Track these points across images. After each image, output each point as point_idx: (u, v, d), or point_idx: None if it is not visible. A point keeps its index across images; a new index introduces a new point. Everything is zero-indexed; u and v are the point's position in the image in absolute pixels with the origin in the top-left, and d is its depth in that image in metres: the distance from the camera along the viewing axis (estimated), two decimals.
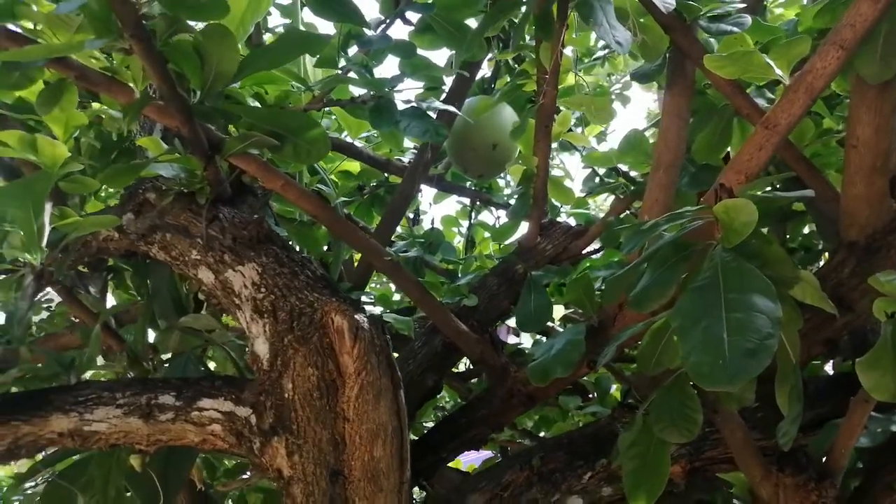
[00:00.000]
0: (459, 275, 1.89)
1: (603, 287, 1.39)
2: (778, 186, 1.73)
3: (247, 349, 1.06)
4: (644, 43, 1.32)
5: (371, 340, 0.97)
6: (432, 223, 2.49)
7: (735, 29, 1.32)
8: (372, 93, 1.58)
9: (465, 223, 2.65)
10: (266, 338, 1.02)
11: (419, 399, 1.61)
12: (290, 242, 1.77)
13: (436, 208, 3.82)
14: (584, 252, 1.73)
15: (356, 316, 0.98)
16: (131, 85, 1.16)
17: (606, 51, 2.91)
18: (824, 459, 1.15)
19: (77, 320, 1.88)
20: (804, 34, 1.36)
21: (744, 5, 1.34)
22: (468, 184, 2.51)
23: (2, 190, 1.17)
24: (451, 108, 1.61)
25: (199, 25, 1.23)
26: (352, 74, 1.57)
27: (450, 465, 1.59)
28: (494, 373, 1.45)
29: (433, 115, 1.58)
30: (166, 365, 1.47)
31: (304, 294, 1.02)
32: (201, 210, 1.26)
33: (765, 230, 1.90)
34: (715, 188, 1.02)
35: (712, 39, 1.49)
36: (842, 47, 1.13)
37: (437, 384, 1.62)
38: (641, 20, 1.36)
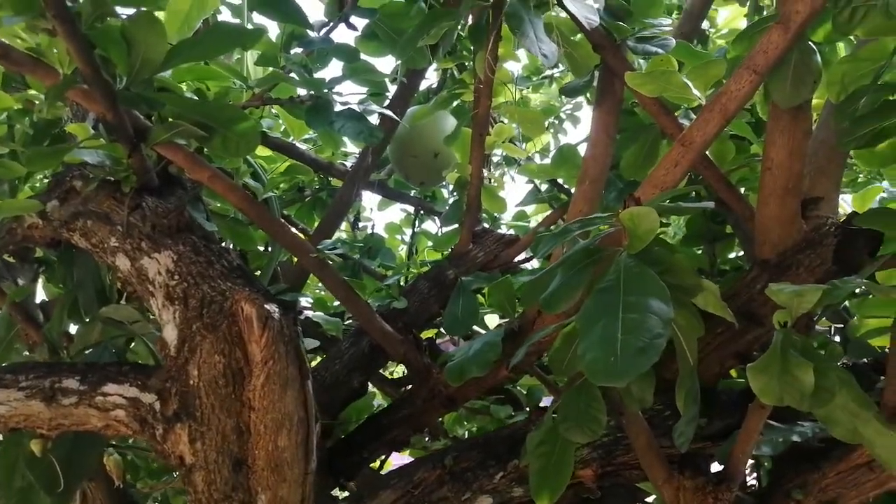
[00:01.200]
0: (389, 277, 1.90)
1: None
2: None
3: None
4: (573, 59, 1.36)
5: (280, 330, 0.98)
6: (373, 229, 2.49)
7: (660, 50, 1.38)
8: (310, 93, 1.60)
9: (409, 231, 2.67)
10: (175, 324, 1.02)
11: (344, 399, 1.61)
12: (224, 241, 1.78)
13: (380, 215, 3.82)
14: (515, 260, 1.76)
15: (266, 305, 0.99)
16: (57, 67, 1.16)
17: (555, 70, 2.98)
18: (723, 465, 1.19)
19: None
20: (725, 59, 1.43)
21: (669, 28, 1.40)
22: (412, 192, 2.54)
23: None
24: (388, 113, 1.63)
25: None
26: (292, 74, 1.59)
27: None
28: (417, 374, 1.46)
29: (371, 118, 1.61)
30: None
31: (216, 283, 1.02)
32: (124, 198, 1.25)
33: (698, 250, 1.98)
34: (624, 198, 1.05)
35: (642, 61, 1.54)
36: (755, 72, 1.18)
37: (363, 385, 1.63)
38: (575, 37, 1.40)
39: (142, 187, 1.32)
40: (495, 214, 2.09)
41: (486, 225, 1.84)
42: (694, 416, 1.03)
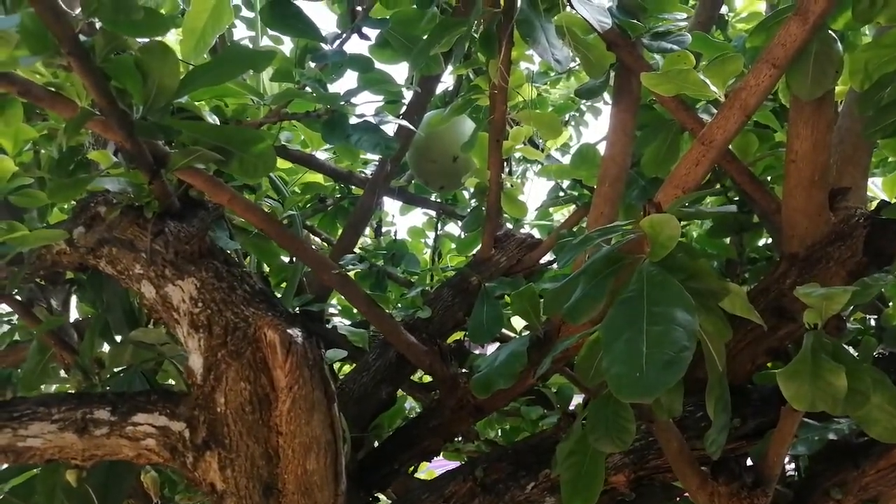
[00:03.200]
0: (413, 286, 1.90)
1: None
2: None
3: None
4: (587, 60, 1.34)
5: (304, 354, 0.98)
6: (395, 235, 2.49)
7: (676, 47, 1.36)
8: (327, 107, 1.61)
9: (432, 234, 2.67)
10: (200, 352, 1.03)
11: (373, 411, 1.62)
12: (247, 256, 1.79)
13: (403, 220, 3.82)
14: (539, 263, 1.75)
15: (289, 330, 0.99)
16: (76, 100, 1.17)
17: (573, 64, 2.95)
18: (758, 468, 1.17)
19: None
20: (743, 52, 1.40)
21: (685, 23, 1.37)
22: (433, 196, 2.54)
23: None
24: (405, 123, 1.63)
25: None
26: (307, 89, 1.60)
27: None
28: (444, 384, 1.46)
29: (388, 128, 1.61)
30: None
31: (239, 309, 1.03)
32: (147, 224, 1.27)
33: (726, 240, 1.96)
34: (644, 204, 1.04)
35: (658, 56, 1.52)
36: (774, 65, 1.16)
37: (391, 395, 1.63)
38: (588, 38, 1.39)
39: (164, 212, 1.34)
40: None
41: (508, 226, 1.83)
42: (725, 425, 1.02)
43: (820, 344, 0.95)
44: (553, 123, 1.54)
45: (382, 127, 1.54)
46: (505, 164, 1.65)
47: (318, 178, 2.34)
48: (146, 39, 1.15)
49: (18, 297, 1.69)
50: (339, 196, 2.34)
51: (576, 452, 1.13)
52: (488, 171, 1.59)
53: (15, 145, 1.44)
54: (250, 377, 0.99)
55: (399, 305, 1.69)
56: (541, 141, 2.39)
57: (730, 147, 1.40)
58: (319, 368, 1.00)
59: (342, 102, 1.57)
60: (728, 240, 1.95)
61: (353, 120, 1.58)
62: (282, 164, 2.25)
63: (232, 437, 0.99)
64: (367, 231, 2.61)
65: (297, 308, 2.07)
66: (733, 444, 1.37)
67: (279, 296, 1.66)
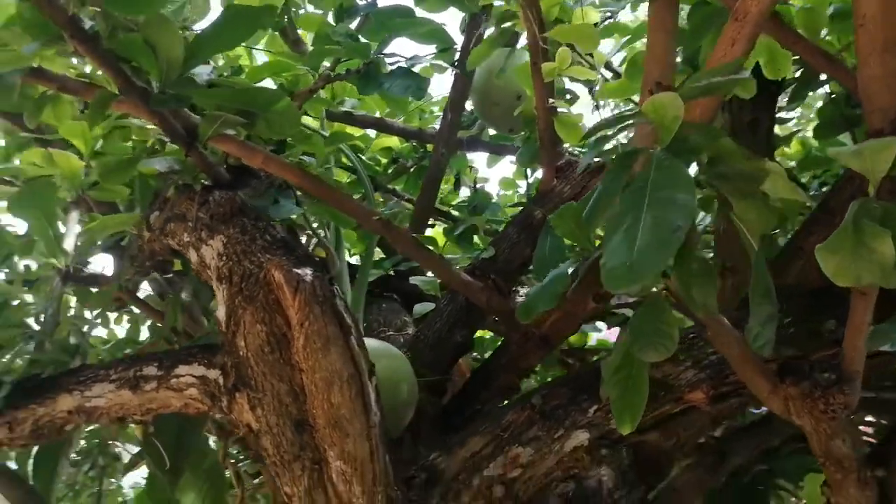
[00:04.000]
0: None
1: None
2: None
3: None
4: None
5: (312, 292, 0.99)
6: (477, 187, 2.45)
7: None
8: (364, 62, 1.61)
9: (523, 183, 2.60)
10: (224, 302, 1.06)
11: (450, 355, 1.61)
12: (322, 224, 1.84)
13: (495, 172, 3.74)
14: None
15: (297, 270, 1.00)
16: (106, 86, 1.24)
17: None
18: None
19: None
20: None
21: None
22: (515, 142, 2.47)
23: (11, 202, 1.28)
24: (440, 63, 1.60)
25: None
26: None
27: None
28: (505, 318, 1.42)
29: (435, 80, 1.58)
30: None
31: (256, 257, 1.05)
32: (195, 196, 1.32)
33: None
34: (649, 87, 0.95)
35: None
36: None
37: (466, 339, 1.62)
38: None
39: (214, 183, 1.40)
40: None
41: (570, 152, 1.74)
42: (770, 315, 0.91)
43: (866, 210, 0.82)
44: (589, 34, 1.44)
45: (416, 70, 1.52)
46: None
47: (394, 141, 2.36)
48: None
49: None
50: (417, 156, 2.34)
51: (622, 367, 1.06)
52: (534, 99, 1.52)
53: (86, 143, 1.56)
54: (265, 319, 1.02)
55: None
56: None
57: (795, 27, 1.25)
58: (331, 304, 1.00)
59: (377, 55, 1.57)
60: None
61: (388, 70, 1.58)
62: (354, 131, 2.29)
63: (256, 378, 1.02)
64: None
65: (391, 269, 2.11)
66: (831, 350, 1.23)
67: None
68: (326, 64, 1.76)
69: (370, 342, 1.45)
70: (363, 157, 2.30)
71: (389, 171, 2.34)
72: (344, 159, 2.10)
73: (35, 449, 1.62)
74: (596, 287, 1.31)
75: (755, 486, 2.11)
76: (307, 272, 1.00)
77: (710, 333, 1.07)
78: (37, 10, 1.01)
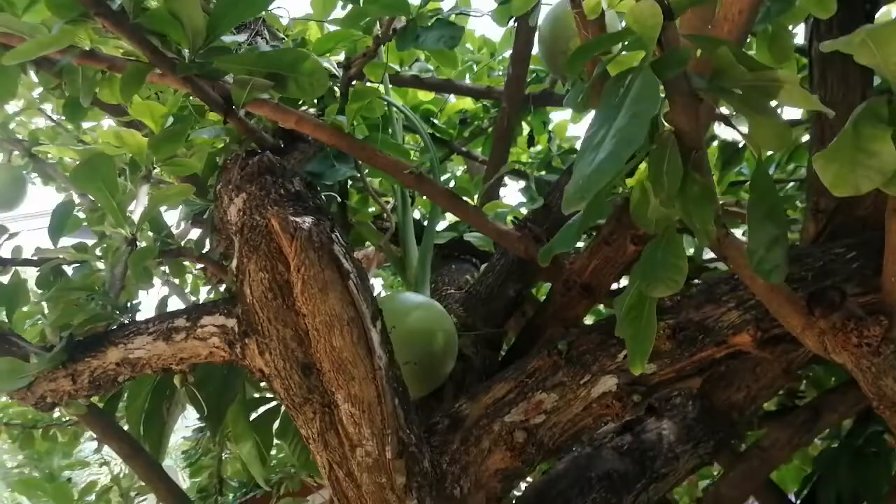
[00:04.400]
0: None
1: None
2: None
3: None
4: None
5: (308, 238, 1.00)
6: (554, 142, 2.38)
7: None
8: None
9: None
10: (236, 254, 1.11)
11: (504, 309, 1.59)
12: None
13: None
14: None
15: (293, 218, 1.02)
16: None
17: None
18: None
19: None
20: None
21: None
22: None
23: (72, 176, 1.40)
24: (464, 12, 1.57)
25: None
26: None
27: None
28: (546, 268, 1.38)
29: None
30: None
31: (266, 209, 1.08)
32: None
33: None
34: None
35: None
36: None
37: (519, 293, 1.59)
38: None
39: (260, 148, 1.45)
40: None
41: None
42: (776, 238, 0.82)
43: (871, 111, 0.72)
44: None
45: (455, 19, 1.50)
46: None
47: (468, 102, 2.34)
48: None
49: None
50: (491, 116, 2.30)
51: (635, 307, 1.00)
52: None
53: (155, 121, 1.67)
54: (267, 266, 1.05)
55: None
56: None
57: None
58: (328, 250, 1.01)
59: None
60: None
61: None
62: (424, 95, 2.30)
63: (262, 324, 1.06)
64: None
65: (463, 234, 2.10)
66: None
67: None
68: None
69: (409, 296, 1.46)
70: (436, 122, 2.31)
71: (466, 133, 2.33)
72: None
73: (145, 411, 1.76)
74: (633, 228, 1.25)
75: (869, 449, 1.93)
76: (306, 220, 1.02)
77: (731, 264, 0.98)
78: None
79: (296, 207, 1.07)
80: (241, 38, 1.46)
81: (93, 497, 2.76)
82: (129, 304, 1.26)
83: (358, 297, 1.02)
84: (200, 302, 1.38)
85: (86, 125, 2.67)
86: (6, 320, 1.33)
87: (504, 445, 1.11)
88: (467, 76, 2.26)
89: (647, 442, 1.42)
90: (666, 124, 0.93)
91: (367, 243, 2.06)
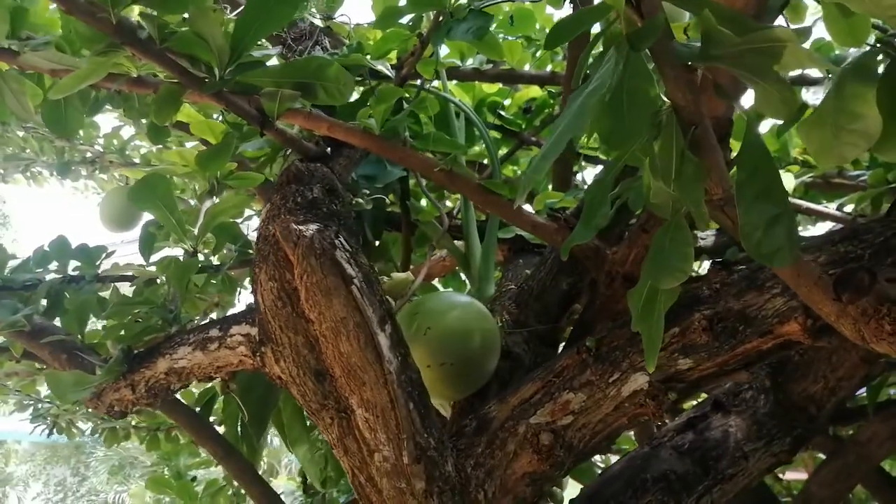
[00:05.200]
0: None
1: None
2: None
3: None
4: None
5: (310, 245, 1.00)
6: None
7: None
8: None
9: None
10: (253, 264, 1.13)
11: (559, 304, 1.53)
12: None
13: None
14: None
15: (295, 226, 1.02)
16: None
17: None
18: None
19: None
20: None
21: None
22: None
23: (130, 196, 1.48)
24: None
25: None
26: None
27: None
28: (586, 259, 1.32)
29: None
30: None
31: (279, 219, 1.10)
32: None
33: None
34: None
35: None
36: None
37: (573, 286, 1.53)
38: None
39: (308, 158, 1.48)
40: None
41: None
42: (774, 217, 0.73)
43: (861, 66, 0.63)
44: None
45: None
46: None
47: (536, 90, 2.27)
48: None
49: None
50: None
51: (650, 300, 0.93)
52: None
53: (215, 138, 1.75)
54: (275, 275, 1.06)
55: None
56: None
57: None
58: (330, 256, 1.01)
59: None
60: None
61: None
62: (490, 87, 2.26)
63: (275, 332, 1.07)
64: None
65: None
66: None
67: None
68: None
69: (448, 295, 1.44)
70: (503, 113, 2.26)
71: (537, 122, 2.27)
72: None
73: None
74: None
75: None
76: (310, 227, 1.03)
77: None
78: (84, 24, 1.16)
79: (306, 215, 1.08)
80: (273, 51, 1.49)
81: (208, 494, 2.94)
82: (175, 316, 1.32)
83: (362, 301, 1.01)
84: None
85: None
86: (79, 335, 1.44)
87: (530, 448, 1.07)
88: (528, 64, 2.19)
89: (710, 440, 1.33)
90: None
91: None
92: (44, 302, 1.82)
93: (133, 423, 3.15)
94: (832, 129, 0.62)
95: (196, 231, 1.56)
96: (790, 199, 1.81)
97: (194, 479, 3.40)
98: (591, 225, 1.07)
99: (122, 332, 1.29)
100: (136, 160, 3.33)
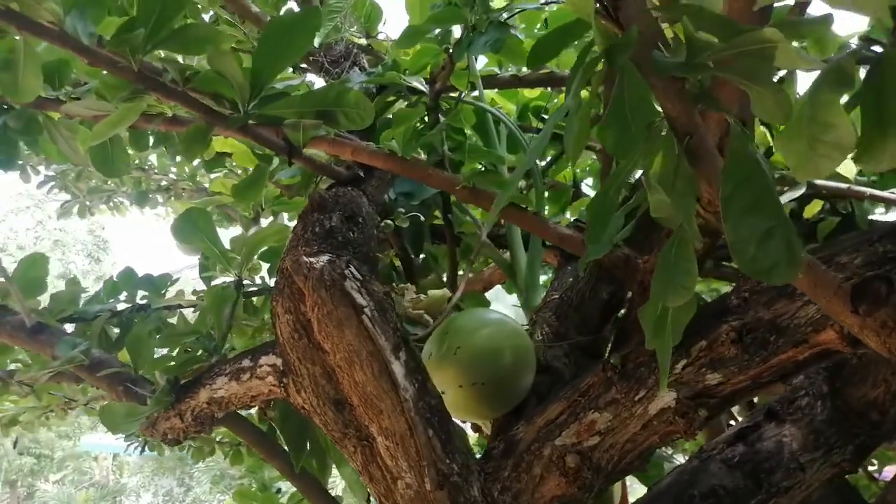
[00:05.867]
0: None
1: None
2: None
3: None
4: None
5: (320, 277, 1.01)
6: None
7: None
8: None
9: None
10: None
11: (600, 313, 1.49)
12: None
13: None
14: None
15: (305, 258, 1.03)
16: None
17: None
18: None
19: None
20: None
21: None
22: None
23: (173, 232, 1.54)
24: None
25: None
26: None
27: None
28: (618, 269, 1.27)
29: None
30: None
31: (296, 251, 1.11)
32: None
33: None
34: None
35: None
36: None
37: (613, 295, 1.48)
38: None
39: (339, 182, 1.50)
40: None
41: None
42: (768, 230, 0.69)
43: (838, 70, 0.58)
44: None
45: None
46: None
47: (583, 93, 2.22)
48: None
49: None
50: None
51: (663, 316, 0.89)
52: None
53: (251, 162, 1.80)
54: (291, 308, 1.07)
55: None
56: None
57: None
58: (339, 287, 1.01)
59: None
60: None
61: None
62: (531, 93, 2.22)
63: (294, 363, 1.08)
64: None
65: None
66: None
67: None
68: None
69: (479, 313, 1.43)
70: (546, 117, 2.22)
71: None
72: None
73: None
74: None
75: None
76: (321, 259, 1.04)
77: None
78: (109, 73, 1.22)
79: (321, 245, 1.10)
80: (296, 81, 1.51)
81: None
82: (216, 346, 1.37)
83: (374, 330, 1.01)
84: None
85: None
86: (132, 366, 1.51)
87: (557, 471, 1.05)
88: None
89: (762, 452, 1.26)
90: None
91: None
92: (116, 330, 1.93)
93: (217, 438, 3.28)
94: (808, 141, 0.57)
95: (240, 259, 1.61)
96: (853, 186, 1.71)
97: (279, 490, 3.52)
98: (603, 240, 1.04)
99: (170, 364, 1.34)
100: (207, 185, 3.47)
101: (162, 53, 1.35)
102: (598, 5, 0.78)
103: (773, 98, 0.74)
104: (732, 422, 1.96)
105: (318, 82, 2.17)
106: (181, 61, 1.34)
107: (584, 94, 0.86)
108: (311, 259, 1.04)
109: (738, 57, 0.74)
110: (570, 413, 1.09)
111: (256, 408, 1.40)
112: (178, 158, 3.37)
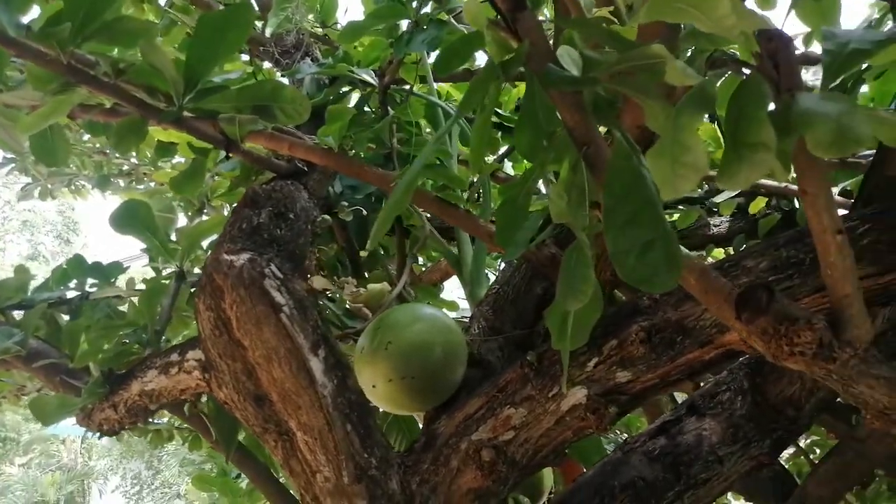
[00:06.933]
0: None
1: None
2: None
3: None
4: None
5: (239, 275, 1.03)
6: None
7: None
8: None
9: None
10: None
11: (535, 308, 1.52)
12: None
13: None
14: None
15: (226, 256, 1.05)
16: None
17: None
18: None
19: None
20: None
21: None
22: None
23: (113, 223, 1.54)
24: None
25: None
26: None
27: None
28: (545, 267, 1.30)
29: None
30: None
31: (219, 248, 1.12)
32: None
33: None
34: None
35: None
36: None
37: (546, 291, 1.51)
38: None
39: (280, 175, 1.51)
40: None
41: None
42: (648, 242, 0.71)
43: (697, 96, 0.60)
44: None
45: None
46: None
47: None
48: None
49: None
50: None
51: (565, 319, 0.92)
52: None
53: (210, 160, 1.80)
54: (211, 305, 1.09)
55: None
56: None
57: None
58: (259, 286, 1.03)
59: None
60: None
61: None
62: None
63: (215, 359, 1.10)
64: None
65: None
66: None
67: None
68: None
69: (412, 308, 1.45)
70: (500, 111, 2.23)
71: None
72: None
73: None
74: None
75: None
76: (242, 258, 1.05)
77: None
78: (38, 66, 1.21)
79: (244, 243, 1.11)
80: (233, 74, 1.52)
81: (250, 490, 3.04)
82: (148, 339, 1.37)
83: (292, 328, 1.03)
84: None
85: None
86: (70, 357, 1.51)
87: (473, 464, 1.07)
88: None
89: (682, 445, 1.30)
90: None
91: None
92: (66, 318, 1.93)
93: (175, 424, 3.29)
94: (669, 161, 0.60)
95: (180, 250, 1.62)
96: (789, 184, 1.74)
97: (238, 476, 3.53)
98: (518, 242, 1.06)
99: (101, 355, 1.35)
100: (169, 168, 3.45)
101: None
102: (497, 17, 0.79)
103: (663, 112, 0.76)
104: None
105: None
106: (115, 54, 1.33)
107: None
108: (232, 257, 1.06)
109: (632, 71, 0.76)
110: (487, 408, 1.12)
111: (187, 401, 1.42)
112: None
